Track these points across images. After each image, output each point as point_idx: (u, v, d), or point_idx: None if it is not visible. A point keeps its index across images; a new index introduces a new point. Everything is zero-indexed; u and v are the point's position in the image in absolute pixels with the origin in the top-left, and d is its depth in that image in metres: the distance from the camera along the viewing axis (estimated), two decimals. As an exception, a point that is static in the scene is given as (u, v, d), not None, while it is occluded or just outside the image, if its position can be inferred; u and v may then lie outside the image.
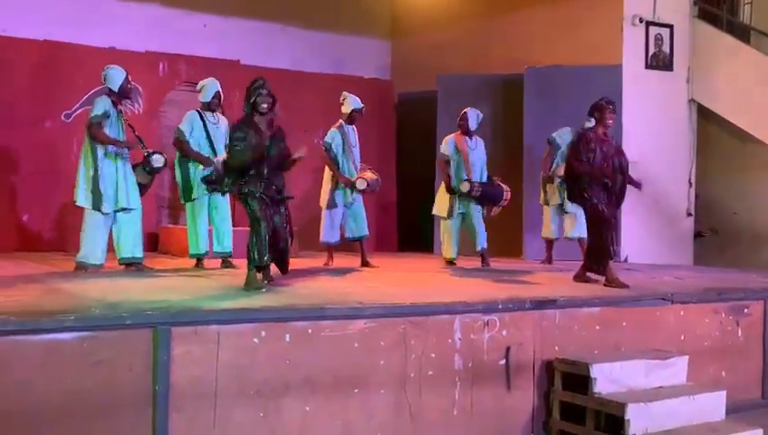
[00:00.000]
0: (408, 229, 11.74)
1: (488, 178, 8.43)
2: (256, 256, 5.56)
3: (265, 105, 5.71)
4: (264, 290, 5.46)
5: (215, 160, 6.91)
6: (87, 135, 6.78)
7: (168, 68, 10.44)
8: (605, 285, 6.43)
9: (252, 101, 5.70)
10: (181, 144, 7.50)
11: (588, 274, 6.68)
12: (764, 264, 9.86)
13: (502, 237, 9.43)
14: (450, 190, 8.38)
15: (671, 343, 5.79)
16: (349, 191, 8.08)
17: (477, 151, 8.47)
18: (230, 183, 5.80)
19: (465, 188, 8.21)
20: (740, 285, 6.82)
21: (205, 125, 7.52)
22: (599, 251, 6.56)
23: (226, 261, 7.63)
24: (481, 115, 8.56)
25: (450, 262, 8.54)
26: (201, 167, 7.36)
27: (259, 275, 5.71)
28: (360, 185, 7.97)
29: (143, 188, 7.06)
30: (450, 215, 8.45)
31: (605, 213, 6.50)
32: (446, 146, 8.51)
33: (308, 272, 7.21)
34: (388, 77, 12.53)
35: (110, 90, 6.89)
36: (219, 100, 7.70)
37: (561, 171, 8.45)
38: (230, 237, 7.66)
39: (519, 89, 10.07)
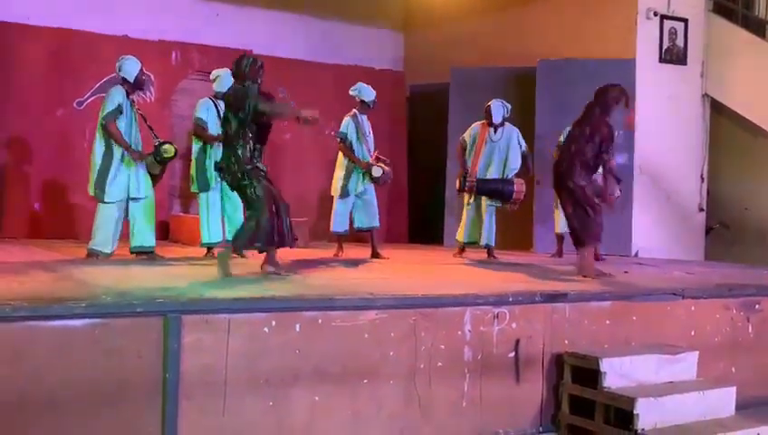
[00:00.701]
0: (419, 221, 11.74)
1: (523, 168, 8.44)
2: (245, 244, 5.66)
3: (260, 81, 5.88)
4: (231, 276, 5.50)
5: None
6: (99, 127, 6.80)
7: (181, 57, 10.45)
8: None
9: (254, 78, 5.82)
10: (202, 131, 7.54)
11: (594, 267, 6.62)
12: (776, 260, 9.81)
13: (512, 230, 9.41)
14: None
15: (681, 339, 5.76)
16: (361, 180, 8.09)
17: (500, 143, 8.46)
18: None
19: (457, 185, 8.31)
20: (751, 281, 6.78)
21: (218, 113, 7.54)
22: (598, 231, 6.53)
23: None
24: (508, 106, 8.54)
25: (461, 247, 8.60)
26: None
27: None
28: (376, 172, 7.98)
29: (155, 178, 7.08)
30: (467, 202, 8.58)
31: (591, 197, 6.49)
32: (469, 132, 8.60)
33: (318, 262, 7.23)
34: (400, 68, 12.50)
35: (123, 80, 6.90)
36: None
37: None
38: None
39: (532, 82, 10.04)
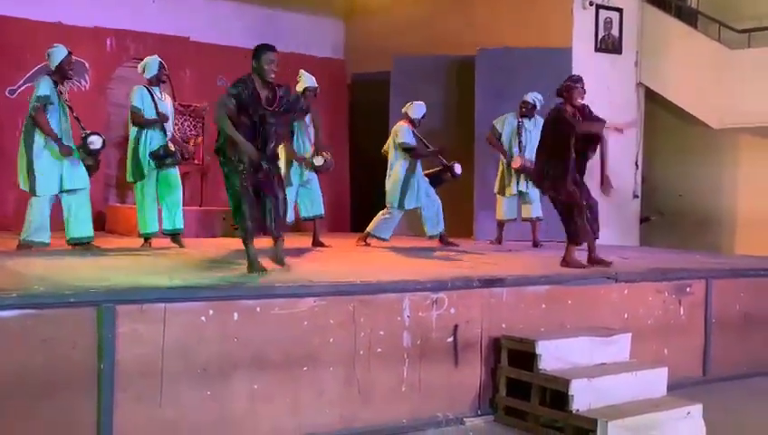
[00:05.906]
0: (361, 209, 11.74)
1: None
2: (243, 228, 5.38)
3: (272, 75, 5.61)
4: (264, 273, 5.25)
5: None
6: (27, 118, 6.65)
7: (116, 44, 10.24)
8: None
9: (258, 65, 5.60)
10: (139, 118, 7.36)
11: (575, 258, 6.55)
12: (708, 244, 10.11)
13: (453, 217, 9.49)
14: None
15: (615, 321, 5.91)
16: (304, 169, 8.05)
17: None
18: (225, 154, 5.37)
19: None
20: (683, 265, 6.97)
21: (153, 99, 7.41)
22: (578, 232, 6.49)
23: (176, 239, 7.56)
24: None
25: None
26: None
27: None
28: (318, 161, 7.93)
29: (90, 169, 6.94)
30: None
31: (576, 195, 6.37)
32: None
33: (259, 251, 7.16)
34: (341, 56, 12.47)
35: (53, 70, 6.76)
36: (164, 70, 7.56)
37: (516, 164, 8.61)
38: (180, 215, 7.58)
39: (472, 70, 10.11)
